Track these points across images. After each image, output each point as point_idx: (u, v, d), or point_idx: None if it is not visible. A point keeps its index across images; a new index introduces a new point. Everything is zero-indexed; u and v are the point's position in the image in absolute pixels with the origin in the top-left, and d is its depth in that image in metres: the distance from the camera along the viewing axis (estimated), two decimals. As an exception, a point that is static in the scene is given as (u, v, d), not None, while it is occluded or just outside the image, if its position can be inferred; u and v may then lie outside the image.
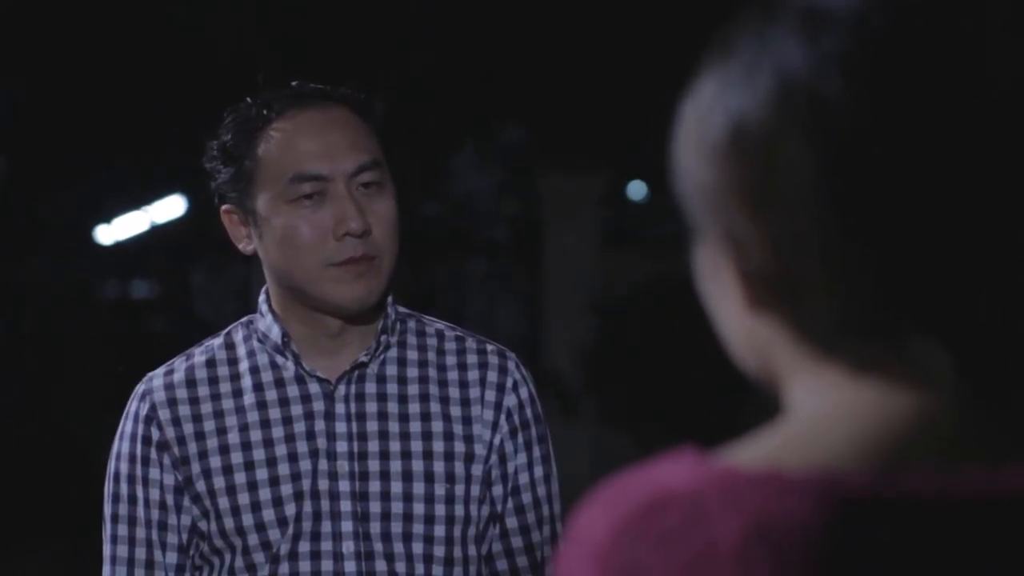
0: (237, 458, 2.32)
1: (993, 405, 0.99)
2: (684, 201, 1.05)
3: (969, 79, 0.98)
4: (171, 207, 15.95)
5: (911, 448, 0.98)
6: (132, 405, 2.37)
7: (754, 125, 1.00)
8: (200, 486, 2.32)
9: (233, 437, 2.33)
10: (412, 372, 2.37)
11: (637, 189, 15.02)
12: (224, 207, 2.35)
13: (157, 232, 16.43)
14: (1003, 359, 0.99)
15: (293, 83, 2.36)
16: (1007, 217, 0.98)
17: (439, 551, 2.31)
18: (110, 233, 16.82)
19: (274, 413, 2.33)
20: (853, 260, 0.97)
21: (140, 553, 2.34)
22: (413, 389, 2.36)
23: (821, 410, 1.00)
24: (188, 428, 2.33)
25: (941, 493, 0.96)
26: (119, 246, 16.81)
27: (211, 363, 2.38)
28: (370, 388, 2.35)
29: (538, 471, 2.39)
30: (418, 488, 2.31)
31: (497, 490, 2.36)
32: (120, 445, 2.36)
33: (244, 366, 2.37)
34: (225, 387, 2.36)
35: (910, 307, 0.98)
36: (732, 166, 1.01)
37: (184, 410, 2.34)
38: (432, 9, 10.54)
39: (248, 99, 2.34)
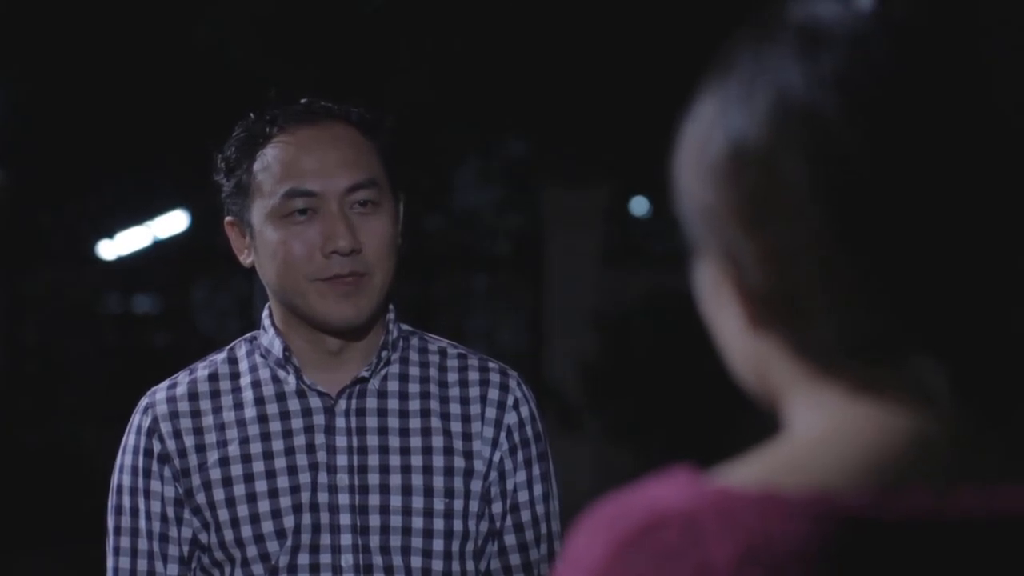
0: (237, 470, 2.32)
1: (993, 425, 0.99)
2: (684, 220, 1.05)
3: (967, 97, 0.98)
4: (173, 222, 15.96)
5: (908, 469, 0.97)
6: (135, 418, 2.38)
7: (752, 143, 1.00)
8: (200, 498, 2.33)
9: (233, 449, 2.33)
10: (413, 388, 2.38)
11: (640, 204, 15.02)
12: (227, 219, 2.37)
13: (159, 247, 16.44)
14: (1003, 378, 0.99)
15: (303, 100, 2.37)
16: (1005, 232, 0.98)
17: (437, 565, 2.31)
18: (112, 248, 16.83)
19: (274, 426, 2.34)
20: (851, 278, 0.97)
21: (142, 565, 2.35)
22: (414, 404, 2.36)
23: (818, 430, 1.00)
24: (189, 440, 2.34)
25: (938, 514, 0.95)
26: (121, 261, 16.82)
27: (213, 377, 2.39)
28: (371, 403, 2.35)
29: (537, 489, 2.39)
30: (417, 502, 2.32)
31: (496, 507, 2.36)
32: (123, 458, 2.38)
33: (246, 380, 2.38)
34: (227, 400, 2.37)
35: (909, 324, 0.98)
36: (731, 185, 1.01)
37: (186, 423, 2.35)
38: (434, 23, 10.55)
39: (252, 114, 2.36)
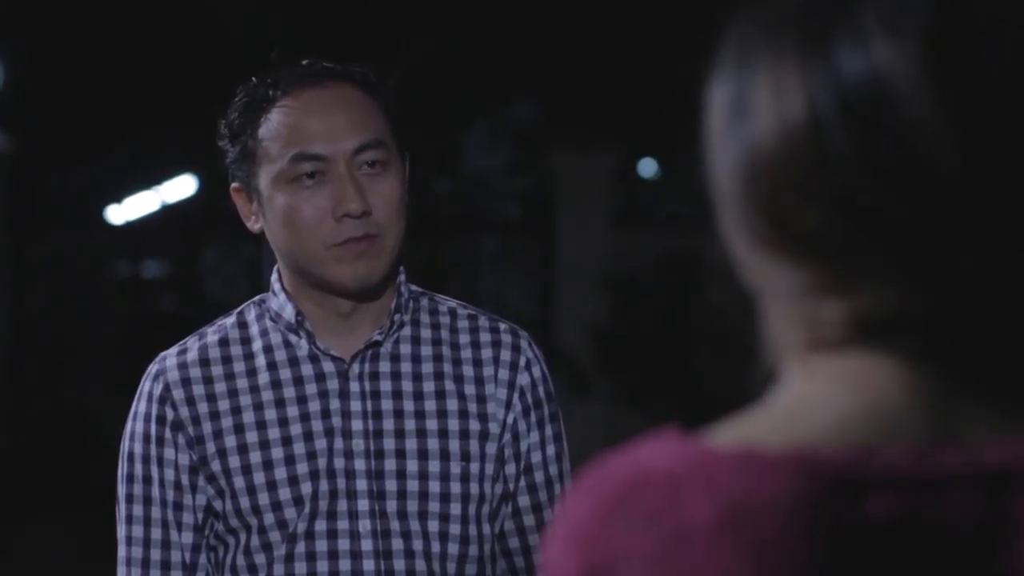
0: (252, 437, 2.31)
1: (971, 381, 0.99)
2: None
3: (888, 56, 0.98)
4: (182, 186, 15.97)
5: (889, 427, 0.98)
6: (145, 385, 2.36)
7: (712, 122, 1.03)
8: (215, 466, 2.31)
9: (248, 416, 2.32)
10: (426, 350, 2.37)
11: (648, 166, 15.01)
12: (233, 185, 2.36)
13: (168, 211, 16.45)
14: (983, 335, 0.98)
15: (304, 61, 2.35)
16: (942, 189, 0.96)
17: (454, 529, 2.31)
18: (121, 213, 16.85)
19: (288, 392, 2.33)
20: (788, 253, 0.99)
21: (156, 533, 2.33)
22: (427, 367, 2.36)
23: (803, 389, 1.01)
24: (203, 408, 2.33)
25: (919, 472, 0.96)
26: (130, 226, 16.84)
27: (224, 342, 2.37)
28: (384, 367, 2.34)
29: (550, 450, 2.39)
30: (434, 466, 2.31)
31: (510, 469, 2.36)
32: (134, 425, 2.36)
33: (257, 345, 2.36)
34: (239, 366, 2.35)
35: (860, 285, 0.98)
36: (714, 156, 1.04)
37: (198, 390, 2.34)
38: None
39: (255, 77, 2.34)
